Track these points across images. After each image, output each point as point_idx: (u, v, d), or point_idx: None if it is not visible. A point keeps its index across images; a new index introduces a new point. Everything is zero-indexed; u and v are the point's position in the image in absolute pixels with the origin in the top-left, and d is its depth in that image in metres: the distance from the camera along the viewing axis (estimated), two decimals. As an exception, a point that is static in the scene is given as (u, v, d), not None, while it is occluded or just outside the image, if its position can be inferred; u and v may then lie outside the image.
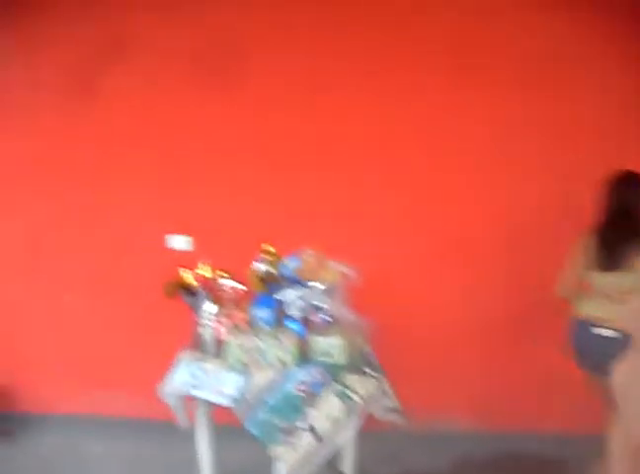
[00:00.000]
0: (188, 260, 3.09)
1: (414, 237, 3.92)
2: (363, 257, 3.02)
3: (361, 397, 2.71)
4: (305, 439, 2.57)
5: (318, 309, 2.91)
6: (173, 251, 3.94)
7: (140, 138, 3.97)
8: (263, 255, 3.05)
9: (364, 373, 2.83)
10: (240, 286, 3.01)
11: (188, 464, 3.36)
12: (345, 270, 2.96)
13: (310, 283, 2.95)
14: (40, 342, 4.22)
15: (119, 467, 3.74)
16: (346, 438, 2.79)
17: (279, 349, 2.79)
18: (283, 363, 2.78)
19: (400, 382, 3.05)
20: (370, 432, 3.10)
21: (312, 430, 2.60)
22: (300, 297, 2.92)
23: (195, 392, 2.86)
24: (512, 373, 4.01)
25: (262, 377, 2.76)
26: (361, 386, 2.75)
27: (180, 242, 3.93)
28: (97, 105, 3.98)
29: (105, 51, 3.89)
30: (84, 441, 3.96)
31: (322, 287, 2.94)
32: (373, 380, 2.83)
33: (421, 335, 3.95)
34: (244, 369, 2.80)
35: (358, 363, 2.86)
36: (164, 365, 3.02)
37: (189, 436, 3.18)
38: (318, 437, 2.59)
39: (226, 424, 2.90)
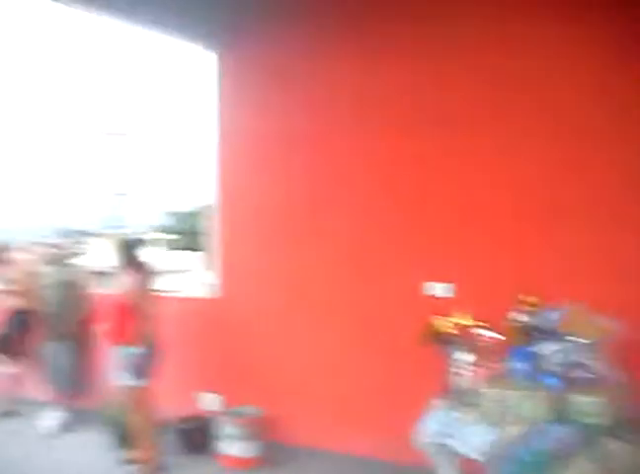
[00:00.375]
0: (445, 307, 3.17)
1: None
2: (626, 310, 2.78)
3: (618, 464, 2.48)
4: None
5: (579, 365, 2.79)
6: (431, 298, 3.98)
7: (403, 186, 4.16)
8: (523, 305, 3.00)
9: (624, 439, 2.61)
10: (498, 336, 2.99)
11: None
12: (609, 324, 2.75)
13: (571, 338, 2.83)
14: (300, 378, 4.55)
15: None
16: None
17: (533, 403, 2.74)
18: (538, 419, 2.70)
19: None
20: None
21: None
22: (560, 351, 2.83)
23: (446, 441, 2.89)
24: None
25: (514, 431, 2.71)
26: (619, 452, 2.55)
27: (439, 289, 3.97)
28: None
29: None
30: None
31: (584, 342, 2.80)
32: (633, 448, 2.56)
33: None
34: (496, 422, 2.77)
35: (617, 426, 2.68)
36: (415, 411, 3.12)
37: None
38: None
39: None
